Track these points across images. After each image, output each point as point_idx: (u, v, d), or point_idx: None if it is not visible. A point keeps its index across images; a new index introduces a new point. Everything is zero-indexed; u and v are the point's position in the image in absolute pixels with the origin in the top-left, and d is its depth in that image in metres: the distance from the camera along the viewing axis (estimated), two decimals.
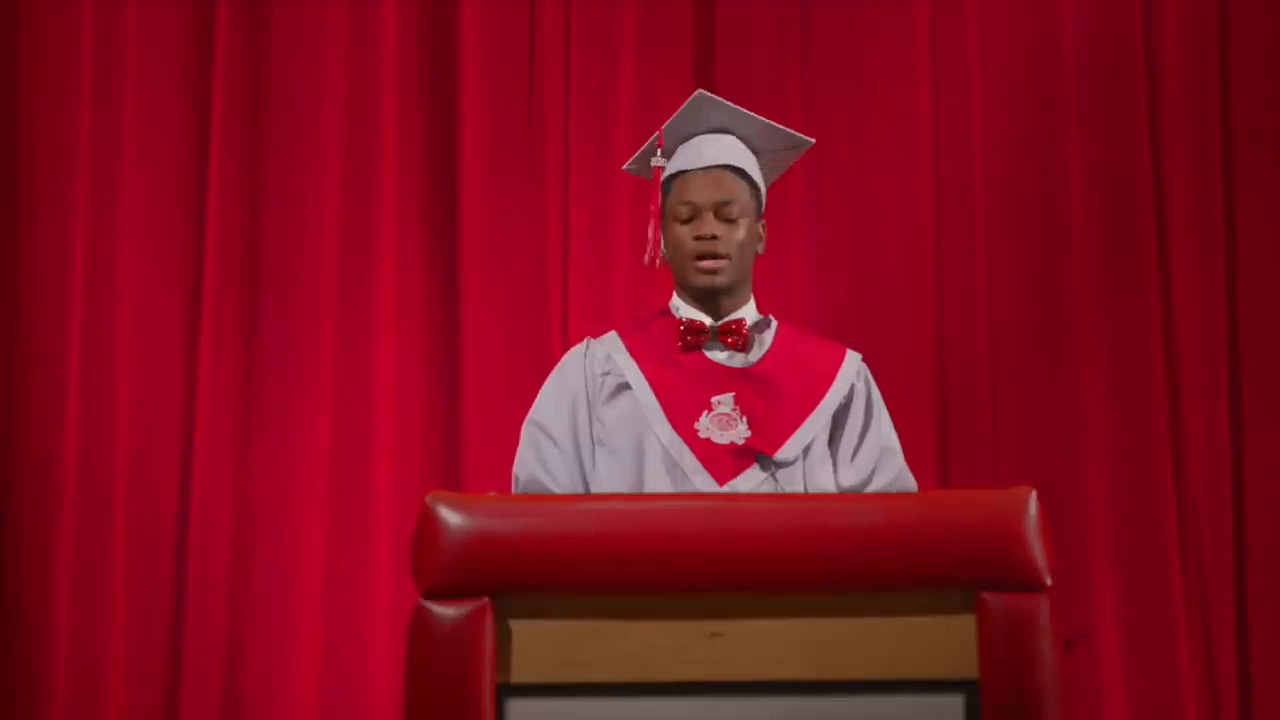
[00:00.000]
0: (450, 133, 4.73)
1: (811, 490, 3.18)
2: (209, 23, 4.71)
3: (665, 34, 4.77)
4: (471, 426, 4.59)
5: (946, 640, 2.18)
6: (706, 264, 3.23)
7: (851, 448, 3.26)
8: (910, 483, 3.29)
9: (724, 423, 3.19)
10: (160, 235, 4.65)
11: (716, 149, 3.27)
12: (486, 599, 2.17)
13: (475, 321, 4.66)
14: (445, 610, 2.17)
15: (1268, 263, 4.71)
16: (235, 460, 4.59)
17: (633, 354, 3.26)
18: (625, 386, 3.23)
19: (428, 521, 2.20)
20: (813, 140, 3.42)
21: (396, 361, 4.64)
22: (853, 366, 3.30)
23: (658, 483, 3.16)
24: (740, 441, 3.17)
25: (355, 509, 4.57)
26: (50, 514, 4.49)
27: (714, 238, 3.22)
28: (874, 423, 3.28)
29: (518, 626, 2.18)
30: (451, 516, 2.20)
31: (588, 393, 3.25)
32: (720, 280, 3.24)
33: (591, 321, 4.30)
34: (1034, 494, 2.21)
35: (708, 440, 3.17)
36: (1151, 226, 4.71)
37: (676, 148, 3.30)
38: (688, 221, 3.24)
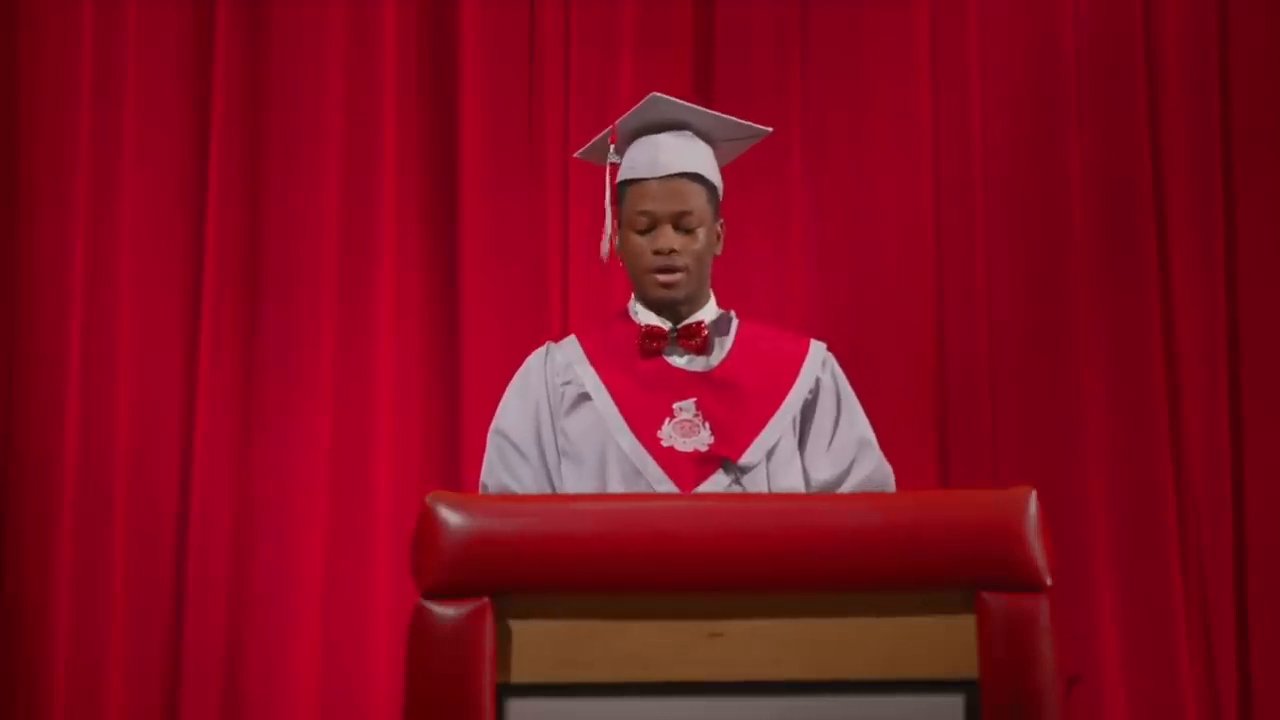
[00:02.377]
0: (450, 133, 4.72)
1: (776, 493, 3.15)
2: (209, 23, 4.71)
3: (665, 34, 4.76)
4: (471, 426, 4.58)
5: (946, 640, 2.18)
6: (664, 278, 3.18)
7: (825, 440, 3.22)
8: (888, 473, 3.24)
9: (686, 430, 3.15)
10: (160, 235, 4.65)
11: (672, 154, 3.20)
12: (486, 599, 2.17)
13: (475, 321, 4.66)
14: (445, 610, 2.17)
15: (1268, 263, 4.70)
16: (235, 460, 4.59)
17: (592, 362, 3.22)
18: (586, 397, 3.20)
19: (428, 521, 2.20)
20: (770, 129, 3.36)
21: (396, 361, 4.64)
22: (817, 359, 3.25)
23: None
24: (704, 448, 3.13)
25: (355, 509, 4.57)
26: (50, 514, 4.49)
27: (673, 251, 3.17)
28: (845, 414, 3.24)
29: (518, 626, 2.18)
30: (451, 516, 2.20)
31: (549, 402, 3.23)
32: (678, 293, 3.19)
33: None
34: (1034, 494, 2.21)
35: (670, 449, 3.13)
36: (1151, 226, 4.70)
37: (632, 141, 3.24)
38: (645, 232, 3.19)
